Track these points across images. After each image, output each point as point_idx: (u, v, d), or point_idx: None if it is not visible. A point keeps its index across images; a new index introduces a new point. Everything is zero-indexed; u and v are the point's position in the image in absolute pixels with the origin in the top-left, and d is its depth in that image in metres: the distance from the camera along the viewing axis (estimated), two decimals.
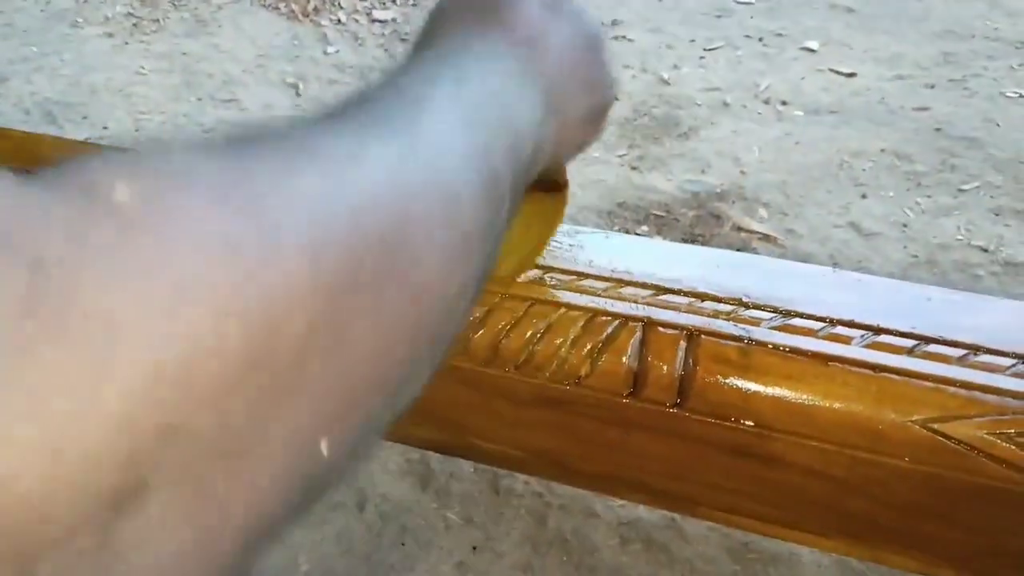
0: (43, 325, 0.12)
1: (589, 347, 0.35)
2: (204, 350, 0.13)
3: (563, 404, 0.36)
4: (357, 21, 2.32)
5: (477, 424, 0.39)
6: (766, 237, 1.48)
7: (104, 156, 0.15)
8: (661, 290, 0.37)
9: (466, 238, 0.21)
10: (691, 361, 0.34)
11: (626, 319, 0.35)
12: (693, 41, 2.18)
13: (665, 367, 0.34)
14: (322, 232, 0.16)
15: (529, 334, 0.35)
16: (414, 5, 2.40)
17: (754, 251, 1.43)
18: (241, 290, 0.14)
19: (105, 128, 1.85)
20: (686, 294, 0.36)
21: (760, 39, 2.17)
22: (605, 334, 0.35)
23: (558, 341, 0.35)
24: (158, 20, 2.30)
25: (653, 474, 0.38)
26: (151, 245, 0.13)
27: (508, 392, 0.36)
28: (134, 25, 2.28)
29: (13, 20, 2.33)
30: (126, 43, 2.20)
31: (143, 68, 2.09)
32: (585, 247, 0.39)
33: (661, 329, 0.35)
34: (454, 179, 0.21)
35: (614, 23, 2.28)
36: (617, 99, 0.36)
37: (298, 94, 2.03)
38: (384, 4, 2.39)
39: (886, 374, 0.32)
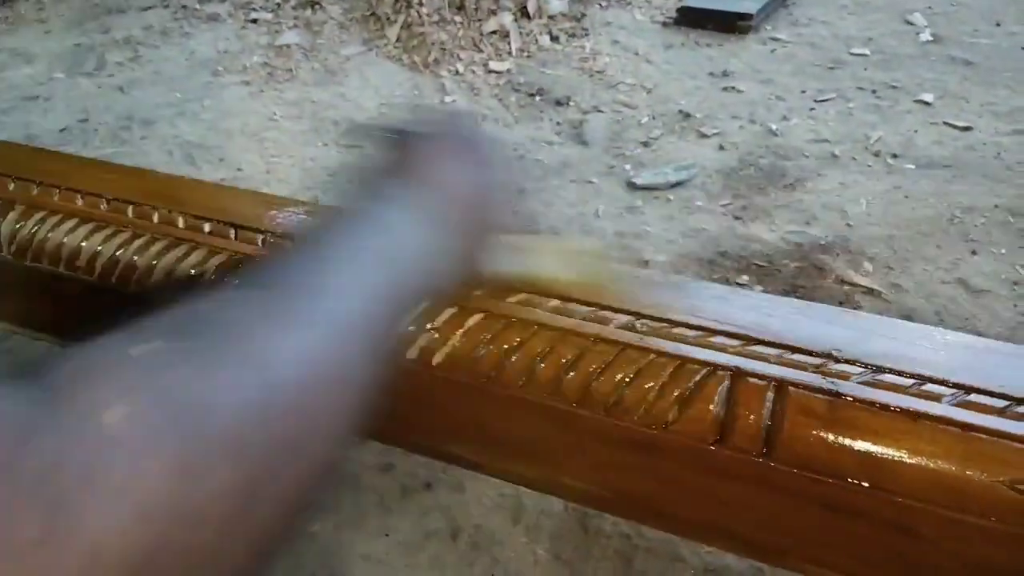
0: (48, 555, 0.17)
1: (677, 394, 0.35)
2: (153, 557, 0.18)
3: (651, 448, 0.36)
4: (474, 72, 2.40)
5: (568, 463, 0.40)
6: (870, 291, 1.43)
7: (77, 364, 0.20)
8: (750, 340, 0.37)
9: (352, 413, 0.25)
10: (779, 412, 0.34)
11: (715, 368, 0.36)
12: (804, 92, 2.15)
13: (752, 417, 0.34)
14: (241, 429, 0.21)
15: (619, 378, 0.36)
16: (528, 57, 2.47)
17: (858, 304, 1.39)
18: (176, 494, 0.19)
19: (239, 170, 1.97)
20: (775, 345, 0.36)
21: (873, 91, 2.12)
22: (693, 382, 0.35)
23: (647, 386, 0.36)
24: (291, 70, 2.44)
25: (738, 522, 0.37)
26: (124, 465, 0.18)
27: (598, 433, 0.37)
28: (269, 74, 2.43)
29: (161, 69, 2.53)
30: (261, 91, 2.34)
31: (275, 114, 2.21)
32: (676, 295, 0.40)
33: (749, 379, 0.35)
34: (349, 366, 0.25)
35: (724, 74, 2.28)
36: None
37: None
38: (500, 56, 2.47)
39: (975, 433, 0.32)
